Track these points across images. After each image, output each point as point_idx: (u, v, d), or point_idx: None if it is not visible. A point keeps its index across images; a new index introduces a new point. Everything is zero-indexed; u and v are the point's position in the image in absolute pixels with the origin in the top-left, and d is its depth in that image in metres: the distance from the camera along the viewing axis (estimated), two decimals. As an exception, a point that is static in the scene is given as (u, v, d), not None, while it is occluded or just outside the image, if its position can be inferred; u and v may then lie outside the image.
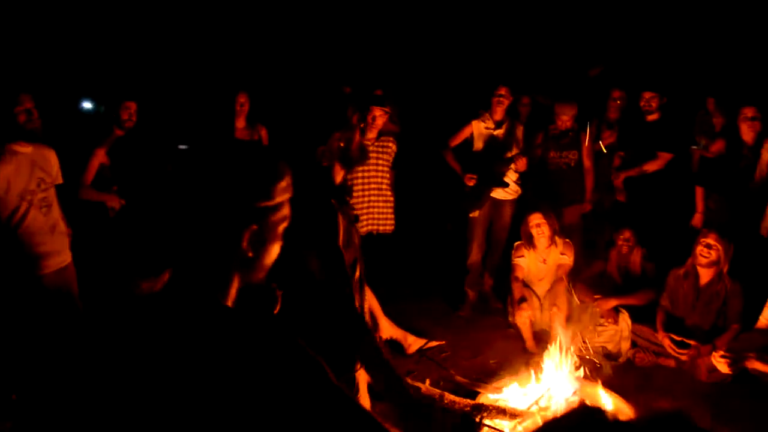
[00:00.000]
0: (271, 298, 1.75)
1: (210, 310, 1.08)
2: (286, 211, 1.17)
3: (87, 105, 9.87)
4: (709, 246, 4.29)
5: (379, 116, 4.58)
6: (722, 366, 3.57)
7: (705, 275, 4.38)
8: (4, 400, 3.04)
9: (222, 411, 0.96)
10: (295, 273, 2.34)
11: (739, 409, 3.77)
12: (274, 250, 1.19)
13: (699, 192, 5.00)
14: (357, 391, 2.50)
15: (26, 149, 3.41)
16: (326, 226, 2.29)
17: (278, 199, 1.14)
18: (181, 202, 1.11)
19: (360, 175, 4.61)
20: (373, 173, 4.68)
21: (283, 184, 1.14)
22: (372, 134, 4.65)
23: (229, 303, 1.15)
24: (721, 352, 3.93)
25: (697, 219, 5.00)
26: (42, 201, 3.45)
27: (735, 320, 4.25)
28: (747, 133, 4.64)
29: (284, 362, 1.01)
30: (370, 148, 4.52)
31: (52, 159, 3.60)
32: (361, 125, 4.21)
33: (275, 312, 1.76)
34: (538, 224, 4.72)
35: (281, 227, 1.18)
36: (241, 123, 5.55)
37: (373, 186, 4.67)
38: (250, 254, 1.13)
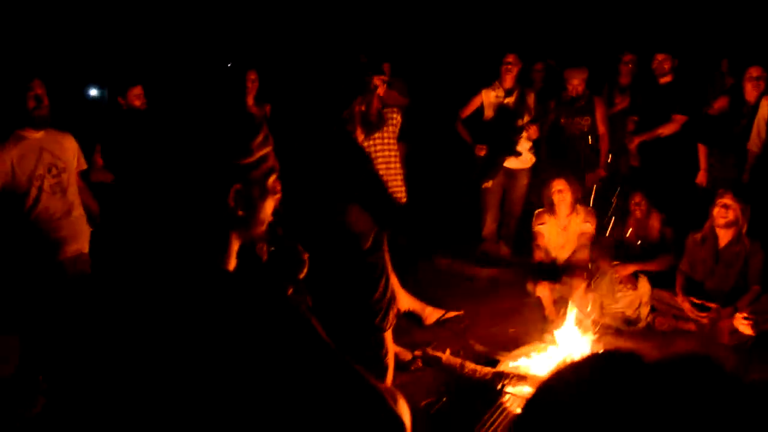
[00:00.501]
0: (298, 262, 1.75)
1: (208, 275, 1.08)
2: (270, 163, 1.17)
3: (93, 92, 9.87)
4: (726, 206, 4.24)
5: (380, 85, 4.52)
6: (745, 327, 3.55)
7: (724, 237, 4.33)
8: (32, 385, 3.06)
9: (219, 376, 0.97)
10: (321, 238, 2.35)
11: (762, 371, 3.76)
12: (268, 205, 1.19)
13: (702, 149, 4.96)
14: (386, 352, 2.49)
15: (35, 134, 3.38)
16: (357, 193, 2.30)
17: (258, 154, 1.13)
18: (164, 169, 1.11)
19: (365, 146, 4.58)
20: (379, 145, 4.63)
21: (260, 138, 1.14)
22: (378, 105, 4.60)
23: (231, 263, 1.16)
24: (744, 314, 3.90)
25: (701, 176, 4.98)
26: (55, 186, 3.43)
27: (756, 281, 4.22)
28: (750, 93, 4.66)
29: (274, 322, 1.01)
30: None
31: (67, 144, 3.57)
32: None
33: (302, 276, 1.76)
34: (560, 190, 4.65)
35: (270, 180, 1.17)
36: (251, 100, 5.55)
37: (380, 158, 4.63)
38: (240, 212, 1.12)
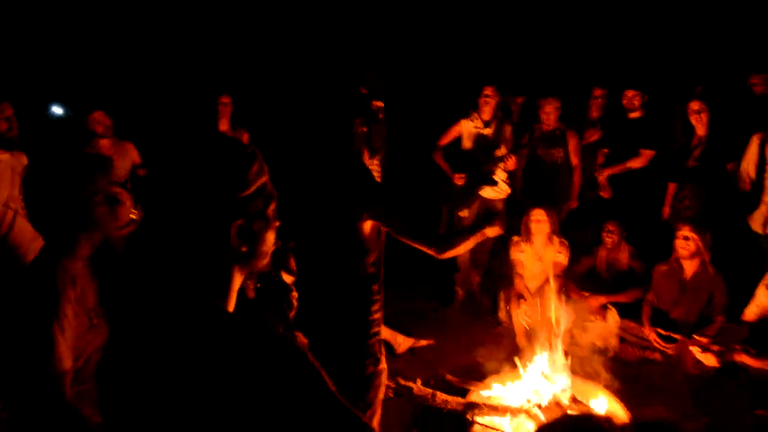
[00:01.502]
0: (287, 300, 1.77)
1: (206, 318, 1.03)
2: (267, 191, 1.14)
3: (57, 110, 9.70)
4: (686, 238, 4.37)
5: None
6: (708, 359, 3.63)
7: (689, 267, 4.45)
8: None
9: (218, 420, 0.93)
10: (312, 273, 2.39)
11: (724, 400, 3.84)
12: (269, 236, 1.16)
13: (669, 187, 5.11)
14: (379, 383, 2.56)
15: (4, 156, 3.37)
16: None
17: (256, 185, 1.10)
18: (159, 206, 1.07)
19: None
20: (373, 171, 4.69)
21: (255, 168, 1.11)
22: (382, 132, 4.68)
23: (231, 303, 1.13)
24: (702, 346, 3.98)
25: (664, 211, 5.12)
26: None
27: (719, 312, 4.32)
28: (696, 126, 4.86)
29: (279, 369, 0.97)
30: None
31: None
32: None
33: (292, 315, 1.78)
34: (538, 220, 4.73)
35: (270, 210, 1.15)
36: (224, 125, 5.55)
37: None
38: (244, 248, 1.09)
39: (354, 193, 2.38)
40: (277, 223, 1.18)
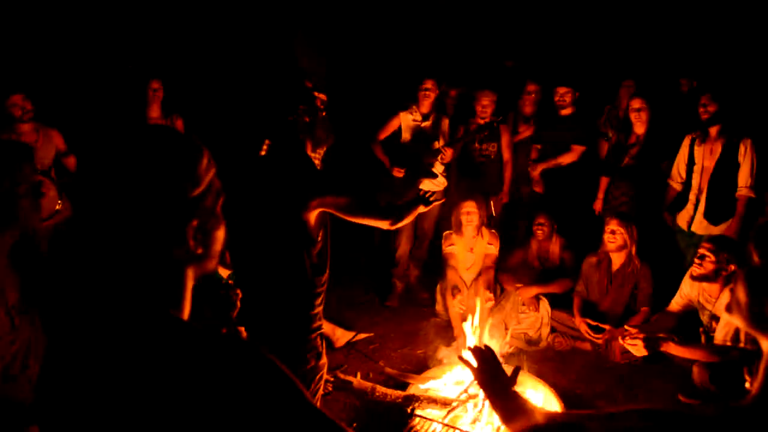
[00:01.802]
0: (230, 301, 1.71)
1: (163, 328, 0.93)
2: (216, 186, 1.05)
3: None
4: (613, 232, 4.55)
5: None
6: (635, 349, 3.79)
7: (616, 259, 4.64)
8: None
9: None
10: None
11: (650, 388, 4.04)
12: (220, 234, 1.06)
13: (602, 180, 5.23)
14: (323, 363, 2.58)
15: None
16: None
17: (206, 181, 1.01)
18: (96, 204, 0.96)
19: None
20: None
21: (205, 161, 1.02)
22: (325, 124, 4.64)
23: (186, 308, 1.03)
24: (629, 336, 4.17)
25: (597, 204, 5.25)
26: None
27: (645, 303, 4.53)
28: (635, 124, 4.94)
29: (253, 381, 0.89)
30: None
31: None
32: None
33: (234, 314, 1.72)
34: (468, 212, 4.80)
35: (219, 206, 1.06)
36: (155, 112, 5.32)
37: None
38: (200, 250, 1.01)
39: (299, 182, 2.35)
40: (224, 221, 1.08)
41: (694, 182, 4.66)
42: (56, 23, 6.65)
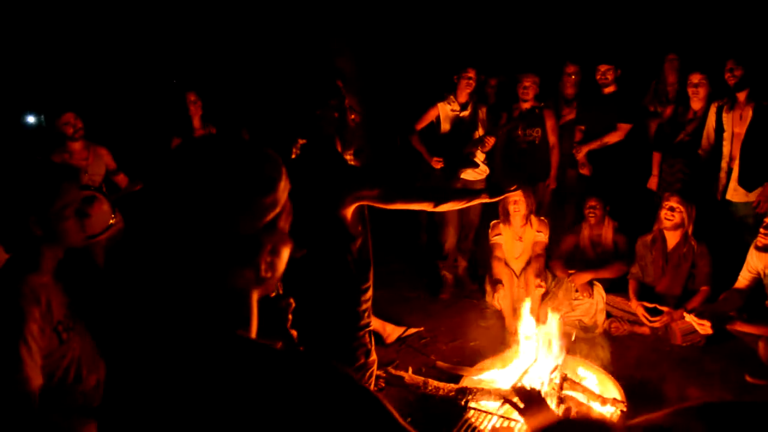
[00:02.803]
0: (285, 313, 1.70)
1: (235, 348, 0.87)
2: (290, 205, 0.98)
3: (30, 119, 9.54)
4: (672, 209, 4.37)
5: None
6: (702, 327, 3.62)
7: (671, 239, 4.46)
8: None
9: None
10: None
11: (714, 371, 3.88)
12: (285, 252, 0.99)
13: (655, 156, 5.12)
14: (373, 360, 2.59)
15: None
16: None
17: (283, 201, 0.94)
18: (165, 226, 0.89)
19: None
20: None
21: (284, 181, 0.94)
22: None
23: (254, 328, 0.98)
24: (694, 315, 4.00)
25: (652, 182, 5.14)
26: None
27: (704, 282, 4.35)
28: (693, 99, 4.82)
29: (334, 403, 0.82)
30: None
31: None
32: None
33: (288, 325, 1.72)
34: (515, 201, 4.70)
35: (288, 225, 0.99)
36: (197, 122, 5.44)
37: None
38: (269, 274, 0.94)
39: (331, 179, 2.35)
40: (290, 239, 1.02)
41: (725, 150, 4.57)
42: (98, 44, 6.89)
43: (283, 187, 0.95)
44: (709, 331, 3.52)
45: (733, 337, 3.88)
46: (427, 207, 2.53)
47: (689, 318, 3.64)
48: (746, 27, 5.73)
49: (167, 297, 0.91)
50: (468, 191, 2.72)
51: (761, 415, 0.81)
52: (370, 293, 2.51)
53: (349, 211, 2.34)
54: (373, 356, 2.57)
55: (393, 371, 3.83)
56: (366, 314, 2.49)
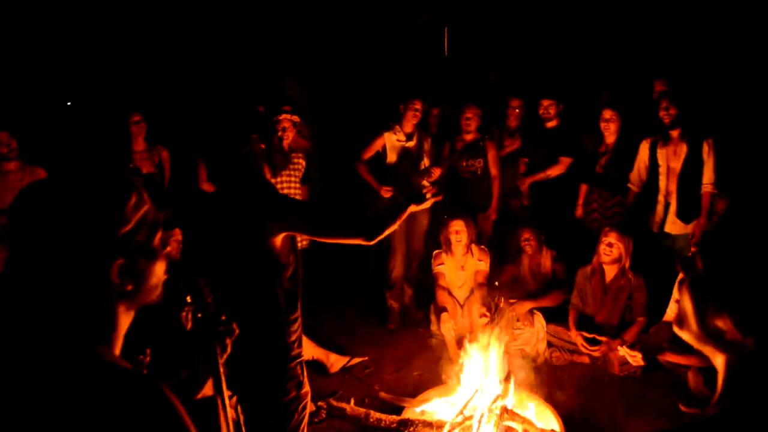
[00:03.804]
0: (227, 330, 1.71)
1: (75, 364, 0.95)
2: (150, 221, 1.08)
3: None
4: (610, 245, 4.50)
5: (288, 126, 4.56)
6: (633, 359, 3.72)
7: (609, 271, 4.59)
8: None
9: None
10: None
11: (650, 399, 3.98)
12: (158, 267, 1.10)
13: (582, 188, 5.30)
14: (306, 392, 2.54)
15: None
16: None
17: (135, 219, 1.04)
18: (28, 242, 1.00)
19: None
20: (285, 187, 4.60)
21: (133, 200, 1.05)
22: (284, 147, 4.62)
23: (117, 343, 1.06)
24: (627, 347, 4.11)
25: (577, 210, 5.31)
26: None
27: (641, 313, 4.48)
28: (605, 134, 5.10)
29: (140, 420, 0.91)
30: None
31: None
32: (278, 134, 4.31)
33: (231, 340, 1.72)
34: (457, 231, 4.76)
35: (156, 240, 1.09)
36: (139, 145, 5.29)
37: None
38: (130, 287, 1.04)
39: (260, 209, 2.32)
40: (167, 250, 1.12)
41: (662, 184, 4.79)
42: (35, 61, 6.67)
43: (133, 206, 1.04)
44: (641, 362, 3.61)
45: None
46: (360, 242, 2.49)
47: (622, 350, 3.74)
48: (679, 66, 6.02)
49: (34, 312, 0.99)
50: (394, 210, 2.70)
51: None
52: (298, 324, 2.46)
53: (278, 240, 2.31)
54: (306, 388, 2.52)
55: (335, 403, 3.78)
56: (295, 345, 2.45)
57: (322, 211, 2.44)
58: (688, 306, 0.99)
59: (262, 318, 2.36)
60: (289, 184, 4.67)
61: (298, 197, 4.66)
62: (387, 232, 2.59)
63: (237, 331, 2.07)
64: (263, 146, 2.40)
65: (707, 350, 0.97)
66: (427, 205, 2.87)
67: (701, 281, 0.98)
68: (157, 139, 5.42)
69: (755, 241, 0.90)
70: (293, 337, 2.42)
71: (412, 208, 2.73)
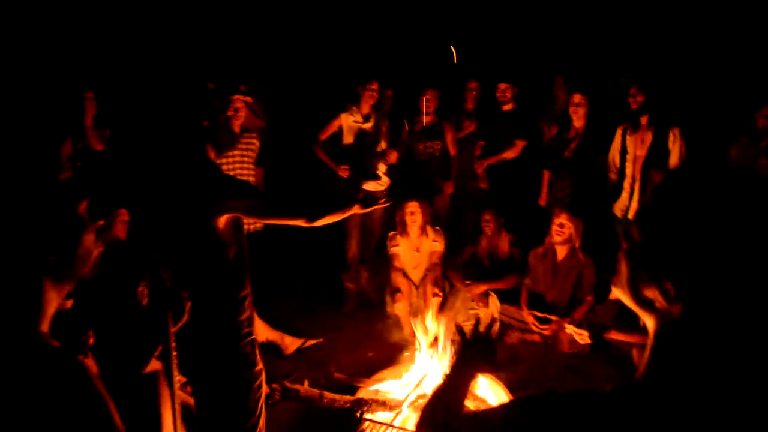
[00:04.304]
0: (180, 306, 1.71)
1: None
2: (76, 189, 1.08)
3: None
4: (561, 225, 4.60)
5: (241, 107, 4.50)
6: (580, 338, 3.84)
7: (561, 252, 4.70)
8: None
9: None
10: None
11: (598, 376, 4.09)
12: (87, 238, 1.08)
13: (545, 174, 5.32)
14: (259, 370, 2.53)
15: None
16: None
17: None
18: None
19: (224, 170, 4.46)
20: (239, 170, 4.54)
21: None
22: (236, 127, 4.57)
23: (45, 321, 1.03)
24: (574, 326, 4.23)
25: (542, 198, 5.34)
26: None
27: (589, 293, 4.60)
28: (574, 118, 5.06)
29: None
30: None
31: None
32: (228, 113, 4.25)
33: (184, 319, 1.72)
34: (412, 212, 4.79)
35: (82, 207, 1.07)
36: (90, 123, 5.15)
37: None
38: (52, 258, 1.02)
39: (201, 188, 2.29)
40: (101, 223, 1.10)
41: (628, 171, 4.80)
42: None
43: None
44: (588, 340, 3.71)
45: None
46: (300, 223, 2.49)
47: (569, 329, 3.83)
48: (649, 53, 6.12)
49: None
50: (341, 203, 2.71)
51: (576, 402, 0.91)
52: (248, 303, 2.44)
53: (222, 220, 2.29)
54: (260, 366, 2.51)
55: (289, 384, 3.77)
56: (246, 324, 2.43)
57: (263, 192, 2.42)
58: (623, 272, 1.03)
59: (210, 297, 2.33)
60: (242, 164, 4.62)
61: (251, 179, 4.61)
62: (329, 219, 2.58)
63: (189, 303, 2.06)
64: (206, 123, 2.35)
65: (640, 313, 1.01)
66: (370, 210, 2.87)
67: (636, 250, 1.01)
68: (108, 118, 5.27)
69: (685, 211, 0.92)
70: (243, 316, 2.40)
71: (356, 210, 2.72)
